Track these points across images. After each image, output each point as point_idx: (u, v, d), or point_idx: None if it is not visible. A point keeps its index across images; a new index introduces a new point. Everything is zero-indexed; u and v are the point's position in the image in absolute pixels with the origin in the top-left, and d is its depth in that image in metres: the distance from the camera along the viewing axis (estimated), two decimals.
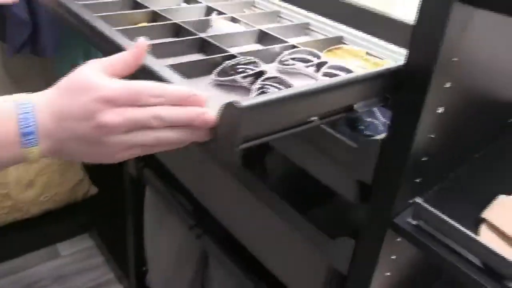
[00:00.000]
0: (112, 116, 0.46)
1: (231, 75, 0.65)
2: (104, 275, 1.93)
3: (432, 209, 0.59)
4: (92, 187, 2.11)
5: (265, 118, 0.47)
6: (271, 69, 0.67)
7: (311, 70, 0.68)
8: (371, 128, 0.71)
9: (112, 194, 2.11)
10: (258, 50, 0.72)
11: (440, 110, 0.57)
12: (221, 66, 0.66)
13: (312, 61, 0.69)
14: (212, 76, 0.65)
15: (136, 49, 0.50)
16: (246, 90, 0.63)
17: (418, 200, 0.60)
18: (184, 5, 0.93)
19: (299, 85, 0.51)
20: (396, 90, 0.56)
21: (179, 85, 0.50)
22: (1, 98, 0.50)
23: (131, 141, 0.47)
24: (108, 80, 0.47)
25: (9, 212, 1.86)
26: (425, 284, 0.86)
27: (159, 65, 0.55)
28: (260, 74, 0.64)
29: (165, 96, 0.47)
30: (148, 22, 0.85)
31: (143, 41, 0.50)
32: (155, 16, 0.84)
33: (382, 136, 0.60)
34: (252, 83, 0.63)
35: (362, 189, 0.69)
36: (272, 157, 1.13)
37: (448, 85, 0.56)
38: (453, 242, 0.59)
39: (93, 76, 0.47)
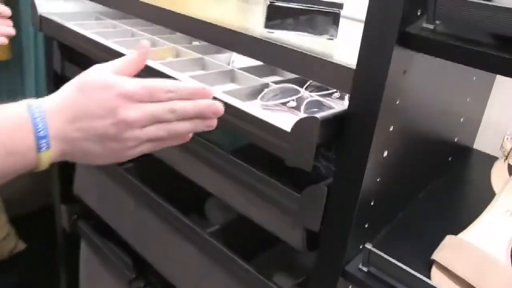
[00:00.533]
0: (133, 111, 0.47)
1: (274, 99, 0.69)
2: None
3: (383, 254, 0.57)
4: (20, 243, 1.96)
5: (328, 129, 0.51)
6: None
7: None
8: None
9: (43, 250, 1.97)
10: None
11: (385, 153, 0.56)
12: (264, 92, 0.71)
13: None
14: (258, 101, 0.69)
15: (139, 51, 0.53)
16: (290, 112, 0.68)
17: (368, 245, 0.58)
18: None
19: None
20: (338, 135, 0.54)
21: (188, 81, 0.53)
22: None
23: (147, 135, 0.49)
24: (122, 78, 0.49)
25: None
26: None
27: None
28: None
29: (178, 91, 0.50)
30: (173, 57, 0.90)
31: (145, 43, 0.53)
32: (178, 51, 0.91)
33: (326, 182, 0.59)
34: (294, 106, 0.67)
35: (310, 237, 0.66)
36: (214, 205, 1.09)
37: (391, 128, 0.55)
38: (406, 287, 0.57)
39: (108, 75, 0.49)
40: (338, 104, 0.69)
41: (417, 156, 0.67)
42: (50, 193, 1.51)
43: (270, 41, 0.61)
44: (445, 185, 0.77)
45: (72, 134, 0.48)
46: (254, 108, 0.61)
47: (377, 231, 0.64)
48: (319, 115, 0.52)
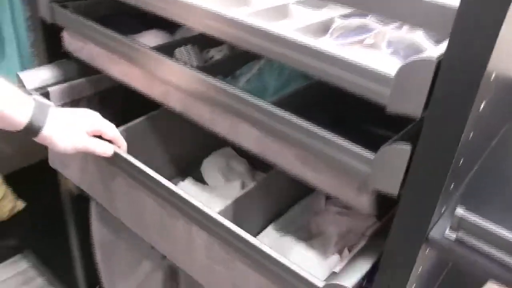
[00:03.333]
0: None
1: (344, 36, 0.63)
2: None
3: (477, 219, 0.50)
4: (19, 202, 1.89)
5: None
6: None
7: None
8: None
9: (43, 207, 1.89)
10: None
11: (483, 105, 0.48)
12: (332, 28, 0.64)
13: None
14: (328, 38, 0.63)
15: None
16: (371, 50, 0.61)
17: (459, 209, 0.51)
18: None
19: None
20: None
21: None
22: None
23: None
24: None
25: None
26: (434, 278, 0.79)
27: None
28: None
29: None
30: None
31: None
32: None
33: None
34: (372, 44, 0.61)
35: (379, 202, 0.59)
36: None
37: (493, 76, 0.46)
38: (499, 251, 0.50)
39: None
40: (421, 39, 0.58)
41: (502, 103, 0.58)
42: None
43: None
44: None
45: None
46: (338, 48, 0.52)
47: (458, 190, 0.57)
48: (430, 55, 0.44)
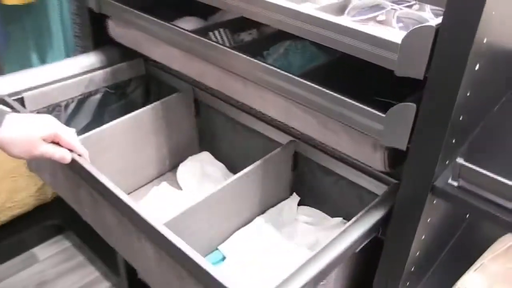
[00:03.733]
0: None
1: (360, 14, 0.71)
2: (89, 274, 1.86)
3: (475, 167, 0.58)
4: None
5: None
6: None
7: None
8: None
9: None
10: None
11: (477, 66, 0.56)
12: (349, 7, 0.73)
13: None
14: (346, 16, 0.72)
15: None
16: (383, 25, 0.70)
17: (459, 160, 0.59)
18: None
19: None
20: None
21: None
22: None
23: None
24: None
25: None
26: (450, 234, 0.87)
27: None
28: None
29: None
30: None
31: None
32: None
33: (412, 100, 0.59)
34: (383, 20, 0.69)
35: (391, 157, 0.67)
36: None
37: (485, 40, 0.54)
38: (498, 197, 0.58)
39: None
40: (428, 16, 0.67)
41: (499, 70, 0.66)
42: None
43: None
44: None
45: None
46: (354, 23, 0.60)
47: (460, 146, 0.64)
48: (432, 24, 0.52)
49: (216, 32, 0.95)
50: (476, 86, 0.58)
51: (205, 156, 1.18)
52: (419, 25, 0.53)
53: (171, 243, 0.64)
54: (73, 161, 0.78)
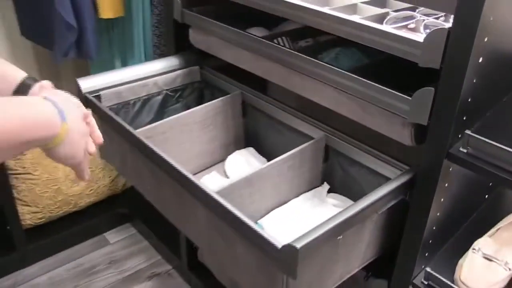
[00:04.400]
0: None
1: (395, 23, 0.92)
2: (153, 257, 2.09)
3: (480, 136, 0.76)
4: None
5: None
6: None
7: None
8: None
9: None
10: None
11: (481, 59, 0.74)
12: (387, 18, 0.93)
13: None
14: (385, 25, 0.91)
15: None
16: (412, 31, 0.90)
17: (467, 131, 0.77)
18: None
19: None
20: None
21: None
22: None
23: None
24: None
25: (60, 206, 2.01)
26: (471, 206, 1.04)
27: None
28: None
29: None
30: None
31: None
32: None
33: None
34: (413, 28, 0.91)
35: (416, 132, 0.86)
36: None
37: (486, 39, 0.73)
38: (499, 160, 0.76)
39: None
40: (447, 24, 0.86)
41: (504, 66, 0.84)
42: None
43: None
44: None
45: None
46: (391, 29, 0.81)
47: (472, 124, 0.82)
48: (445, 26, 0.73)
49: (279, 39, 1.17)
50: (481, 75, 0.77)
51: (250, 150, 1.38)
52: (436, 28, 0.73)
53: (222, 206, 0.82)
54: (144, 145, 0.97)
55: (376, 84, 0.87)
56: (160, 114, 1.39)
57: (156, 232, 2.14)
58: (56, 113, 0.61)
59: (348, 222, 0.79)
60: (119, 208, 2.23)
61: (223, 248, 0.91)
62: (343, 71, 0.92)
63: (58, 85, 0.75)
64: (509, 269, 0.89)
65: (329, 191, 1.18)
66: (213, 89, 1.43)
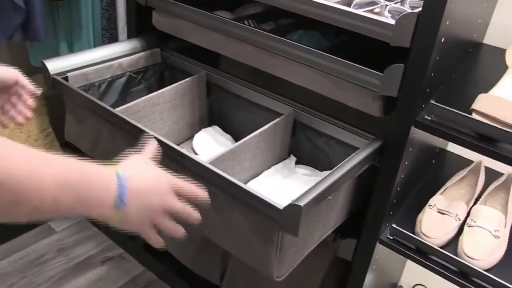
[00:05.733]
0: (176, 202, 0.67)
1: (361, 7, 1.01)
2: (104, 242, 2.09)
3: (441, 105, 0.90)
4: None
5: None
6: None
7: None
8: None
9: None
10: None
11: (443, 39, 0.87)
12: (353, 3, 1.02)
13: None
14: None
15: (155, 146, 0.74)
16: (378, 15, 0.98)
17: (432, 101, 0.90)
18: None
19: None
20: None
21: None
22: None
23: (166, 226, 0.67)
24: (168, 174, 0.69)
25: None
26: (423, 170, 1.19)
27: None
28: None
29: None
30: None
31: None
32: None
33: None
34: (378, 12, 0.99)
35: (384, 105, 0.98)
36: None
37: (447, 22, 0.85)
38: (457, 124, 0.89)
39: (159, 169, 0.69)
40: (407, 8, 0.98)
41: (454, 46, 0.98)
42: None
43: None
44: (468, 68, 1.09)
45: (134, 202, 0.62)
46: (367, 13, 0.91)
47: (432, 96, 0.96)
48: (415, 11, 0.83)
49: (246, 22, 1.24)
50: (441, 53, 0.90)
51: (215, 128, 1.46)
52: (407, 12, 0.84)
53: (218, 175, 0.90)
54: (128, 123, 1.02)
55: (351, 63, 0.97)
56: (124, 95, 1.41)
57: None
58: (112, 200, 0.60)
59: (337, 183, 0.89)
60: None
61: (214, 219, 0.97)
62: (317, 50, 1.02)
63: None
64: (459, 220, 1.05)
65: (296, 163, 1.28)
66: (174, 71, 1.47)
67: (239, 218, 0.92)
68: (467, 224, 1.04)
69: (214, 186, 0.91)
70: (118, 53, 1.36)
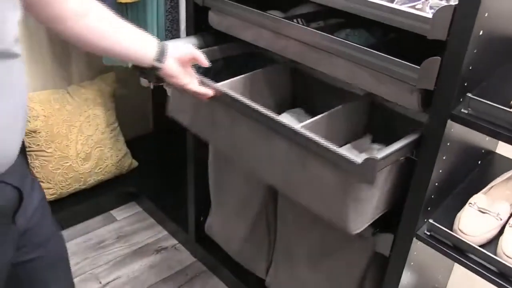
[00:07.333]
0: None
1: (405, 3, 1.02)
2: (159, 233, 2.20)
3: (479, 98, 0.90)
4: (134, 161, 2.36)
5: None
6: None
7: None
8: None
9: (151, 168, 2.42)
10: None
11: (481, 32, 0.87)
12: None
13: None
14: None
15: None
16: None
17: (469, 94, 0.91)
18: None
19: None
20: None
21: None
22: None
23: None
24: None
25: (71, 183, 2.11)
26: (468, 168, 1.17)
27: None
28: None
29: None
30: None
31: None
32: None
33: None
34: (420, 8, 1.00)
35: (423, 98, 0.99)
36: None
37: (486, 14, 0.86)
38: (495, 118, 0.89)
39: None
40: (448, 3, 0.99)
41: (498, 41, 0.97)
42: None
43: None
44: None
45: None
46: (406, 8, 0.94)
47: (471, 90, 0.96)
48: (452, 4, 0.86)
49: (295, 20, 1.29)
50: (481, 46, 0.90)
51: (299, 110, 1.53)
52: (443, 5, 0.86)
53: (308, 137, 1.02)
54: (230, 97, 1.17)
55: (390, 57, 1.00)
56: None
57: (162, 209, 2.25)
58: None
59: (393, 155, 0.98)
60: (125, 188, 2.34)
61: (299, 176, 1.09)
62: (360, 46, 1.05)
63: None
64: (501, 219, 1.03)
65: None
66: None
67: (323, 174, 1.03)
68: (509, 224, 1.02)
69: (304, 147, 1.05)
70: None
